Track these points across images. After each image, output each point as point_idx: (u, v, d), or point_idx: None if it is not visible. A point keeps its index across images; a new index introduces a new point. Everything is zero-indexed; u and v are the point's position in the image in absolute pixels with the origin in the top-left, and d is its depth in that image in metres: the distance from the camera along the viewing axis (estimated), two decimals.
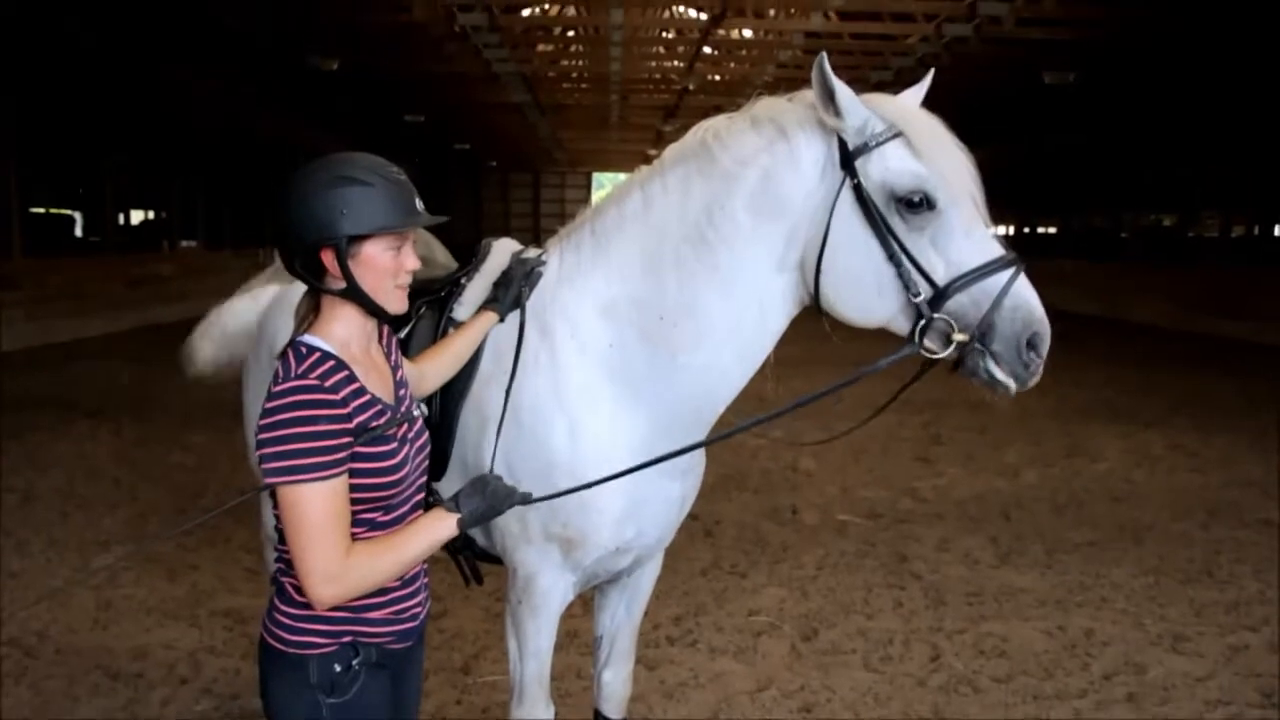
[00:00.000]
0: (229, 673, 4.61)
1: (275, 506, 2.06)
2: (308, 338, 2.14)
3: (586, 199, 44.33)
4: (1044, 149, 28.35)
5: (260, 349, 3.64)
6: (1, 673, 4.56)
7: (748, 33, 21.31)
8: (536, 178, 51.09)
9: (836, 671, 4.72)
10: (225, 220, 28.89)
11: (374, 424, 2.12)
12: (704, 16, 19.78)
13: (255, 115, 24.40)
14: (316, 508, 2.00)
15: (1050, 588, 5.80)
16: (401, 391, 2.31)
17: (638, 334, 2.69)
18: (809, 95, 2.56)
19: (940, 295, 2.39)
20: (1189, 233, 30.34)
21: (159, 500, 7.23)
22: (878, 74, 20.52)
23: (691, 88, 23.30)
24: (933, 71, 2.76)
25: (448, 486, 2.93)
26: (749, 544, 6.46)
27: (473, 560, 3.10)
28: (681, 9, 24.06)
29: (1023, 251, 2.51)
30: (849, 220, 2.46)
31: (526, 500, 2.27)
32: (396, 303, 2.19)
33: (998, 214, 2.46)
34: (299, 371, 2.05)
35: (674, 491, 2.87)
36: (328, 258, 2.10)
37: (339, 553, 2.01)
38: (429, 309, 3.02)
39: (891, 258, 2.41)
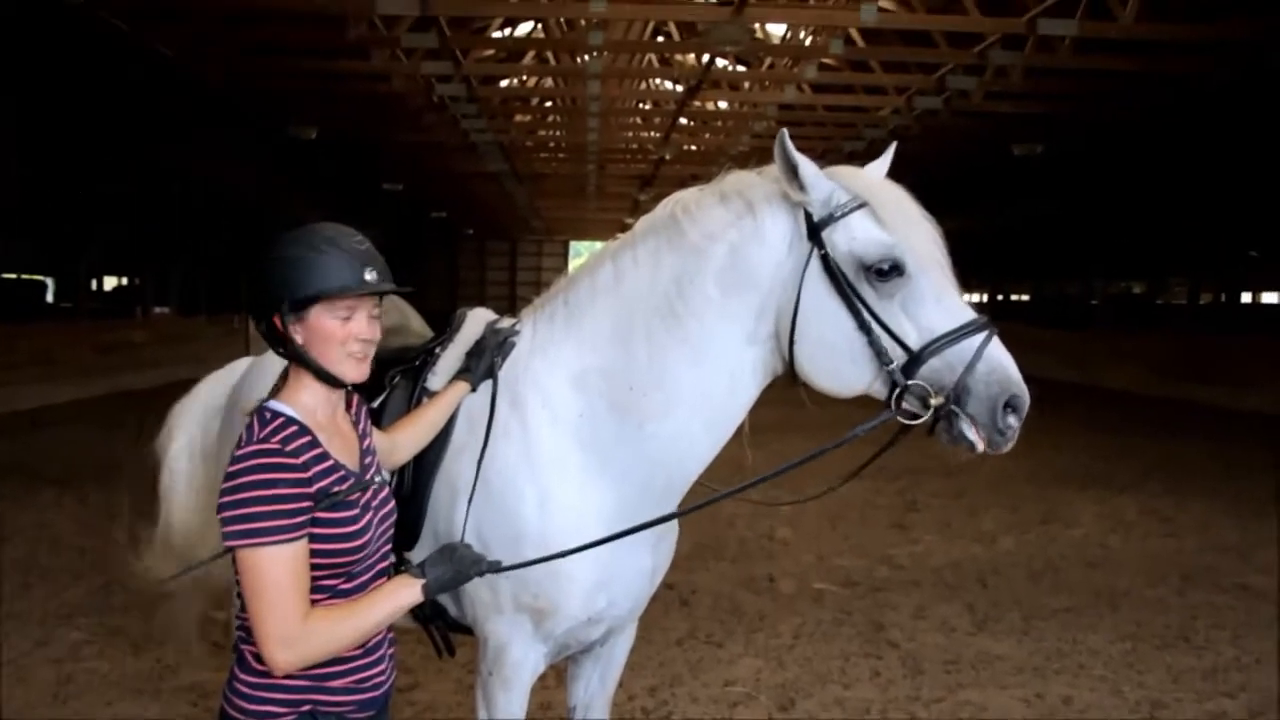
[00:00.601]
0: None
1: (235, 570, 2.05)
2: (273, 403, 2.16)
3: (563, 267, 44.64)
4: (1014, 218, 28.79)
5: (232, 417, 3.62)
6: None
7: (723, 104, 21.66)
8: (513, 246, 51.35)
9: None
10: (200, 287, 28.85)
11: (335, 489, 2.11)
12: (680, 88, 20.09)
13: (233, 182, 24.48)
14: (275, 571, 1.98)
15: (1027, 655, 5.75)
16: (368, 460, 2.31)
17: (607, 404, 2.70)
18: (775, 169, 2.59)
19: (914, 360, 2.41)
20: (1158, 300, 30.80)
21: (124, 571, 7.08)
22: (850, 144, 20.87)
23: (668, 157, 23.59)
24: (895, 144, 2.82)
25: (419, 557, 2.90)
26: (725, 613, 6.39)
27: (444, 631, 3.05)
28: (658, 81, 24.44)
29: (995, 318, 2.54)
30: (819, 290, 2.49)
31: (494, 568, 2.26)
32: (352, 371, 2.20)
33: (970, 282, 2.50)
34: (261, 436, 2.06)
35: (645, 562, 2.85)
36: (281, 325, 2.15)
37: (297, 617, 2.00)
38: (403, 378, 3.01)
39: (862, 326, 2.44)
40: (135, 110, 17.63)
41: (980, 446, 2.40)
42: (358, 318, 2.19)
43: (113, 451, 11.61)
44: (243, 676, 2.14)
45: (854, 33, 15.95)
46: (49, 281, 31.60)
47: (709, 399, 2.64)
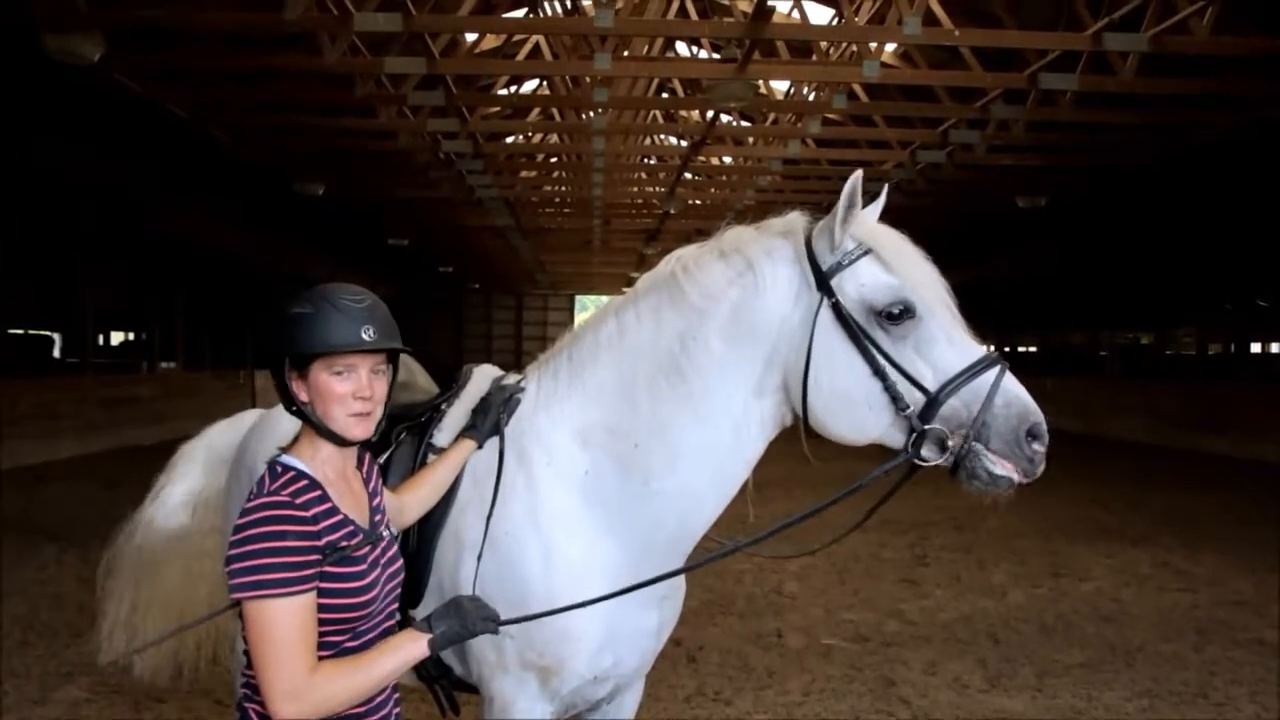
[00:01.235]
0: None
1: (242, 624, 2.04)
2: (284, 457, 2.20)
3: (569, 321, 44.77)
4: (1020, 270, 28.86)
5: (240, 470, 3.61)
6: None
7: (728, 159, 21.82)
8: (519, 300, 51.54)
9: None
10: (205, 341, 28.90)
11: (344, 544, 2.12)
12: (684, 144, 20.26)
13: (240, 238, 24.64)
14: (282, 623, 1.98)
15: (1042, 712, 5.65)
16: (377, 517, 2.31)
17: (612, 461, 2.69)
18: (776, 223, 2.64)
19: (933, 402, 2.41)
20: (1166, 350, 30.75)
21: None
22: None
23: (672, 212, 23.72)
24: (888, 187, 2.83)
25: (424, 614, 2.87)
26: (733, 670, 6.30)
27: (449, 689, 3.02)
28: (662, 136, 24.66)
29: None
30: (831, 339, 2.49)
31: (500, 624, 2.23)
32: (355, 428, 2.21)
33: (977, 333, 2.50)
34: (271, 489, 2.09)
35: (651, 620, 2.82)
36: (297, 386, 2.20)
37: (303, 670, 1.98)
38: (409, 434, 3.02)
39: (877, 372, 2.44)
40: (144, 167, 17.80)
41: (1016, 478, 2.40)
42: (356, 375, 2.20)
43: (116, 508, 11.57)
44: None
45: (857, 88, 16.12)
46: (56, 336, 31.69)
47: (714, 455, 2.63)
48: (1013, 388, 2.41)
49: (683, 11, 17.77)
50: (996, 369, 2.41)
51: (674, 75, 18.94)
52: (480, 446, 2.80)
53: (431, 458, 2.95)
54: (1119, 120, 14.82)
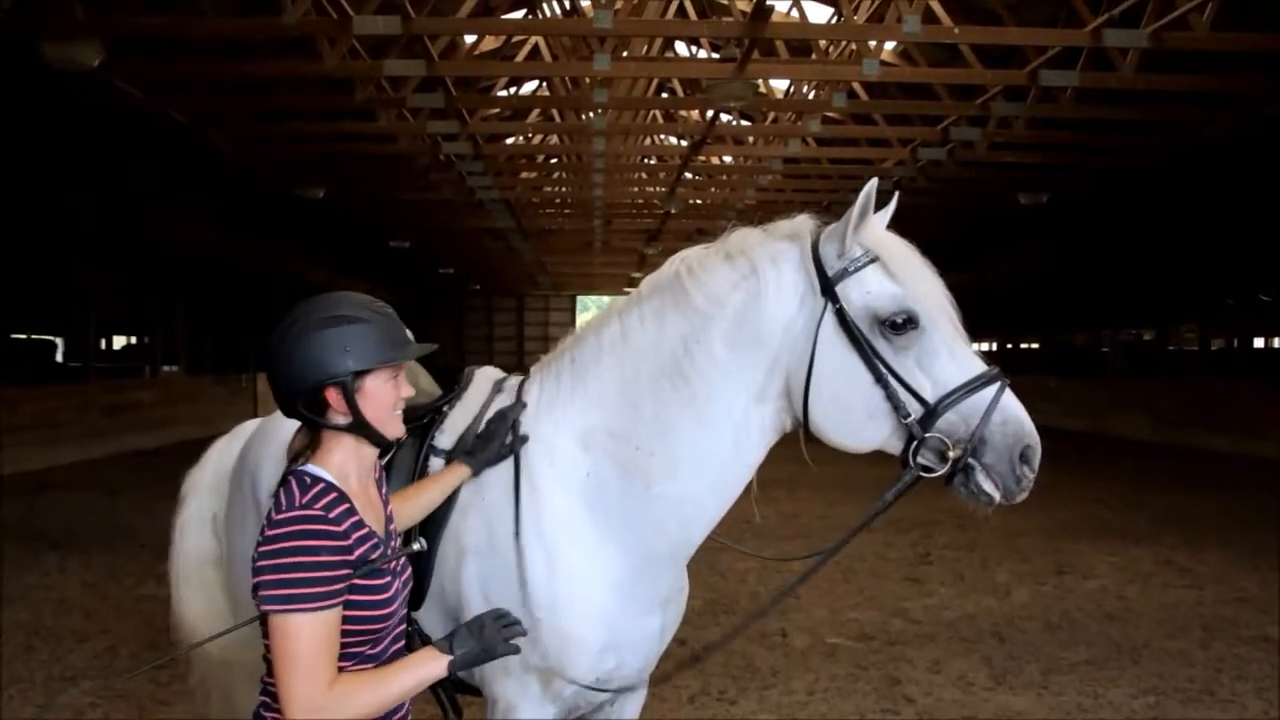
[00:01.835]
0: None
1: (265, 635, 2.04)
2: (311, 468, 2.17)
3: (571, 322, 44.77)
4: (1022, 267, 28.83)
5: (242, 479, 3.59)
6: None
7: (728, 158, 21.81)
8: (520, 301, 51.49)
9: None
10: (207, 346, 28.93)
11: (372, 557, 2.13)
12: (685, 144, 20.25)
13: (241, 242, 24.65)
14: (308, 638, 1.98)
15: (1048, 710, 5.64)
16: (390, 525, 2.33)
17: (614, 464, 2.68)
18: (782, 226, 2.62)
19: (930, 414, 2.42)
20: (1169, 346, 30.70)
21: (130, 633, 7.02)
22: (855, 197, 20.92)
23: (673, 212, 23.69)
24: (897, 194, 2.82)
25: (426, 617, 2.88)
26: (738, 670, 6.29)
27: (452, 691, 3.02)
28: (662, 137, 24.64)
29: (1005, 368, 2.54)
30: (833, 345, 2.49)
31: (517, 650, 2.21)
32: (396, 429, 2.25)
33: (979, 332, 2.50)
34: (303, 501, 2.07)
35: (654, 624, 2.81)
36: (333, 395, 2.16)
37: (324, 684, 1.99)
38: (411, 436, 3.00)
39: (879, 380, 2.44)
40: (145, 173, 17.81)
41: (997, 498, 2.41)
42: (401, 378, 2.25)
43: (117, 514, 11.58)
44: None
45: (857, 86, 16.10)
46: (59, 341, 31.75)
47: (715, 459, 2.62)
48: (1012, 406, 2.42)
49: (682, 11, 17.75)
50: (996, 386, 2.41)
51: (673, 75, 18.91)
52: (475, 475, 2.79)
53: (434, 460, 2.96)
54: (1120, 117, 14.80)
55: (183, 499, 3.96)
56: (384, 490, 2.39)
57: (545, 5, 17.35)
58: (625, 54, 15.59)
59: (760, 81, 16.62)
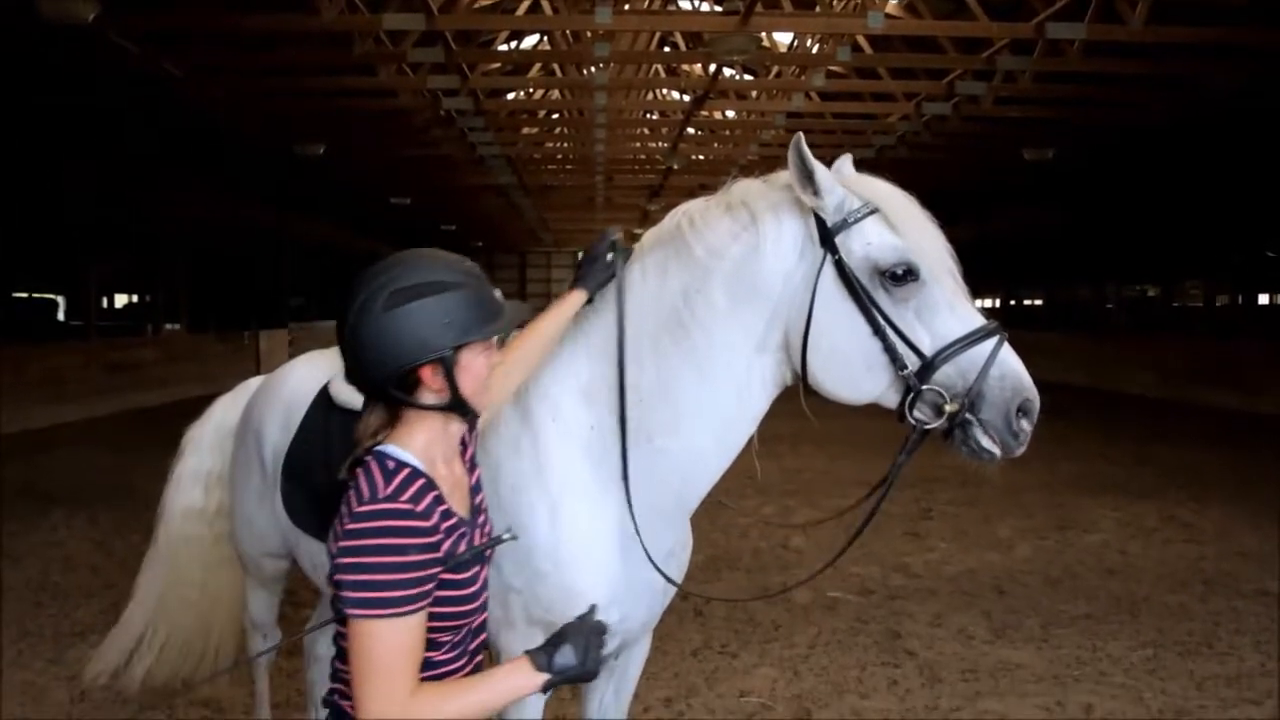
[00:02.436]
0: None
1: (341, 623, 1.91)
2: (392, 450, 1.97)
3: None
4: (1027, 222, 28.72)
5: (246, 436, 3.61)
6: None
7: (730, 114, 21.64)
8: (523, 258, 51.47)
9: None
10: (210, 303, 28.95)
11: (459, 550, 1.97)
12: (687, 99, 20.09)
13: (241, 199, 24.57)
14: (392, 643, 1.83)
15: (1047, 663, 5.68)
16: (476, 499, 2.17)
17: (617, 418, 2.67)
18: (783, 176, 2.59)
19: (927, 367, 2.41)
20: (1173, 303, 30.64)
21: None
22: (860, 152, 20.71)
23: (675, 167, 23.57)
24: (849, 157, 2.79)
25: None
26: (740, 624, 6.34)
27: None
28: (665, 91, 24.46)
29: (1008, 324, 2.53)
30: (832, 296, 2.47)
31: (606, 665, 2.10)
32: (485, 401, 2.10)
33: (982, 287, 2.48)
34: (388, 492, 1.88)
35: (658, 578, 2.81)
36: (428, 373, 1.96)
37: (405, 693, 1.84)
38: None
39: (877, 332, 2.43)
40: (141, 129, 17.71)
41: (998, 454, 2.41)
42: (493, 346, 2.08)
43: (122, 471, 11.64)
44: None
45: (861, 40, 15.93)
46: (60, 300, 31.79)
47: (717, 412, 2.62)
48: (1010, 360, 2.40)
49: None
50: (995, 339, 2.40)
51: (675, 29, 18.72)
52: (590, 299, 2.70)
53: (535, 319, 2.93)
54: (1128, 71, 14.64)
55: (181, 453, 4.00)
56: (470, 453, 2.20)
57: None
58: (627, 7, 15.46)
59: (763, 35, 16.44)
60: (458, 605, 1.98)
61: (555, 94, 21.82)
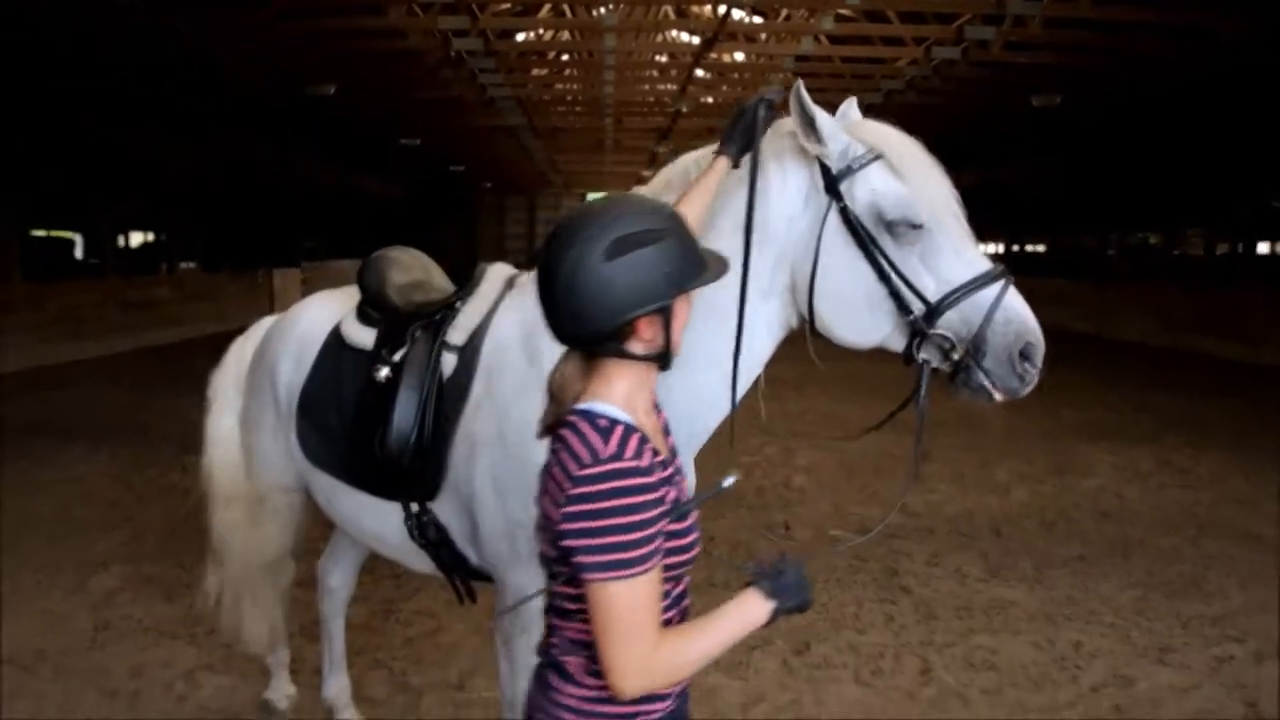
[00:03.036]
0: (226, 690, 4.66)
1: (559, 582, 1.91)
2: (601, 407, 1.92)
3: None
4: (1032, 170, 28.55)
5: (260, 377, 3.68)
6: (2, 691, 4.60)
7: (740, 56, 21.49)
8: (532, 200, 51.18)
9: (827, 686, 4.77)
10: (224, 242, 29.00)
11: (677, 497, 1.95)
12: (696, 41, 19.94)
13: (252, 140, 24.52)
14: (633, 603, 1.81)
15: (1039, 602, 5.85)
16: (669, 439, 2.15)
17: None
18: (788, 123, 2.62)
19: (933, 312, 2.46)
20: (1175, 251, 30.54)
21: (154, 522, 7.27)
22: (868, 97, 20.65)
23: (684, 110, 23.43)
24: (854, 100, 2.79)
25: (441, 508, 3.00)
26: (741, 560, 6.50)
27: (466, 578, 3.16)
28: (674, 34, 24.24)
29: (1012, 269, 2.58)
30: (838, 243, 2.52)
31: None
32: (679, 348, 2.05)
33: (987, 234, 2.54)
34: (611, 450, 1.83)
35: None
36: (645, 324, 1.91)
37: (651, 646, 1.83)
38: (424, 332, 3.09)
39: (882, 277, 2.48)
40: (153, 74, 17.66)
41: (997, 396, 2.47)
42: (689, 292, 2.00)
43: (139, 408, 11.83)
44: (570, 690, 1.98)
45: None
46: (77, 238, 31.86)
47: (726, 354, 2.65)
48: (1015, 304, 2.45)
49: None
50: (1000, 284, 2.44)
51: None
52: (735, 165, 2.63)
53: (446, 356, 3.01)
54: (1136, 18, 14.52)
55: (209, 404, 4.01)
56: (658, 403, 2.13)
57: None
58: None
59: None
60: (680, 555, 1.96)
61: (565, 35, 21.65)
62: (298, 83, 18.60)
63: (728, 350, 2.65)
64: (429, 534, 3.06)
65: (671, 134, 28.24)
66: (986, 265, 2.49)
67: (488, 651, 4.99)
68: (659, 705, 1.99)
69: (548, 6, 19.02)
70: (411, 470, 3.00)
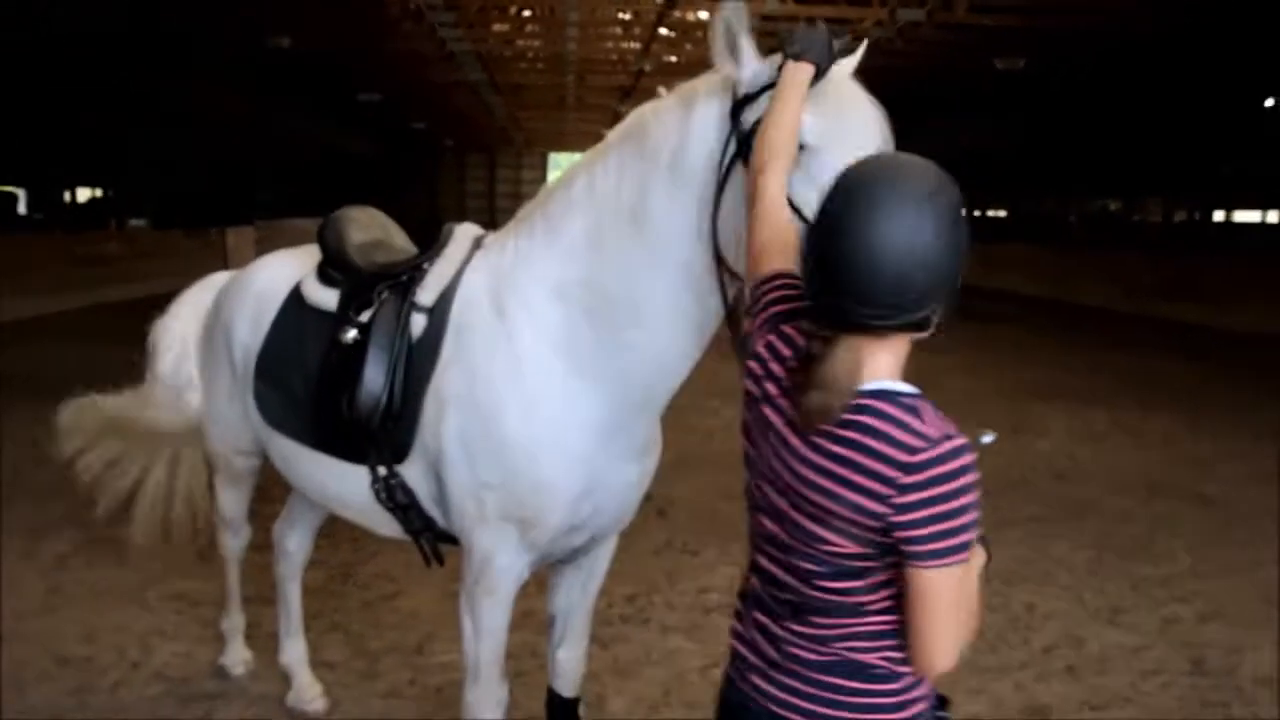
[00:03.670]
0: (180, 656, 4.59)
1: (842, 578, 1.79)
2: (891, 384, 1.77)
3: (542, 179, 44.19)
4: (994, 134, 28.67)
5: (215, 334, 3.63)
6: None
7: (703, 15, 21.30)
8: (492, 158, 50.80)
9: None
10: (175, 199, 28.46)
11: None
12: None
13: (208, 93, 24.04)
14: (960, 583, 1.72)
15: (994, 564, 5.89)
16: None
17: (586, 313, 2.70)
18: (729, 65, 2.44)
19: None
20: (1134, 217, 30.91)
21: None
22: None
23: (647, 69, 23.28)
24: (865, 43, 2.66)
25: (410, 471, 2.98)
26: (703, 523, 6.52)
27: (433, 540, 3.14)
28: None
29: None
30: (737, 174, 2.37)
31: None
32: None
33: None
34: (940, 430, 1.72)
35: (632, 473, 2.90)
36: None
37: (964, 623, 1.77)
38: (391, 293, 3.05)
39: None
40: (109, 27, 17.26)
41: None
42: None
43: (92, 365, 11.59)
44: (884, 688, 1.83)
45: None
46: (21, 193, 31.13)
47: (676, 305, 2.60)
48: None
49: None
50: None
51: None
52: (824, 74, 2.31)
53: (415, 317, 2.96)
54: None
55: (152, 352, 3.98)
56: None
57: None
58: None
59: None
60: None
61: None
62: (256, 32, 18.22)
63: (680, 300, 2.58)
64: (397, 496, 3.04)
65: (634, 93, 28.03)
66: None
67: (447, 614, 4.97)
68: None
69: None
70: (381, 432, 2.97)
